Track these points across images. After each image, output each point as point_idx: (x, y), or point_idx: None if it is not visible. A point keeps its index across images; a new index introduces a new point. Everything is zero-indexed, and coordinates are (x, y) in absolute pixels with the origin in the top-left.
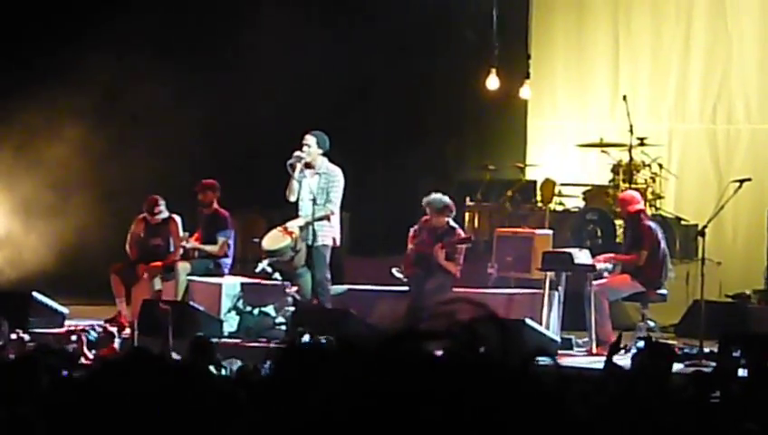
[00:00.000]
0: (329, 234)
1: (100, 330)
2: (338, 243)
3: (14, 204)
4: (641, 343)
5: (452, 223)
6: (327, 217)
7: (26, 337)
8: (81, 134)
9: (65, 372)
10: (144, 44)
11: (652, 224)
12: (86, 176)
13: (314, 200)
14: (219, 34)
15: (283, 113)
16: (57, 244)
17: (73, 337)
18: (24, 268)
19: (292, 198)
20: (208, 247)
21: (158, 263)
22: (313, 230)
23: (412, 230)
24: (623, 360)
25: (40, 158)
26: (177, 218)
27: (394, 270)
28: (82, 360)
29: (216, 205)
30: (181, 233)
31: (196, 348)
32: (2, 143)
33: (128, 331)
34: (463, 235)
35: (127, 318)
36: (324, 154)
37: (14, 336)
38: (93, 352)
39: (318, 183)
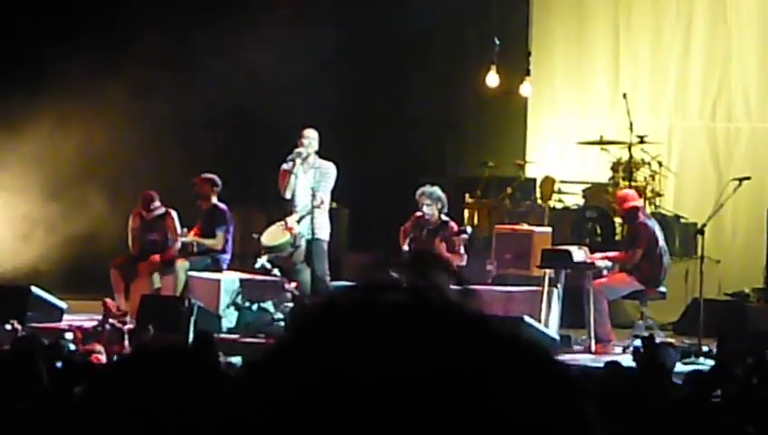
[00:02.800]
0: (326, 228)
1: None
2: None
3: (12, 200)
4: (638, 341)
5: (444, 217)
6: (319, 207)
7: (19, 328)
8: (82, 129)
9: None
10: (143, 40)
11: (648, 221)
12: (85, 170)
13: (313, 195)
14: (219, 30)
15: (282, 108)
16: (56, 238)
17: (69, 335)
18: (23, 262)
19: (288, 195)
20: (207, 241)
21: (156, 257)
22: (312, 225)
23: (403, 228)
24: (623, 357)
25: (41, 154)
26: (174, 213)
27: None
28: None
29: (214, 199)
30: (178, 227)
31: (200, 342)
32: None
33: (129, 325)
34: (457, 227)
35: (120, 309)
36: (316, 151)
37: (8, 327)
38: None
39: (314, 177)
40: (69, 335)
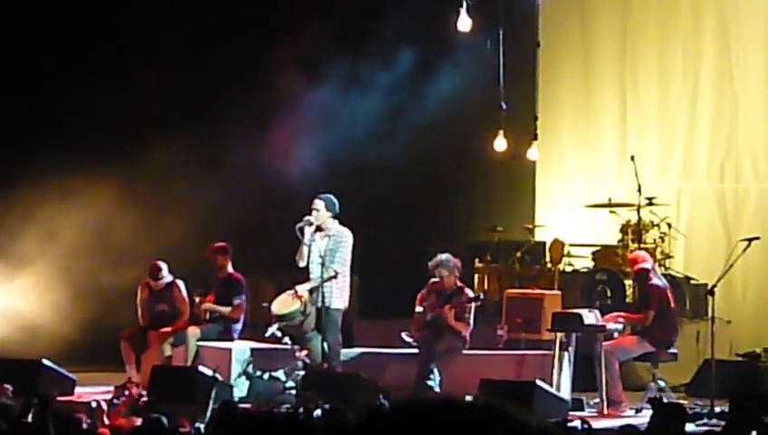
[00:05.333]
0: (339, 296)
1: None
2: (346, 305)
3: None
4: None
5: (459, 283)
6: (334, 278)
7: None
8: (91, 201)
9: None
10: (151, 108)
11: (660, 283)
12: (93, 241)
13: (323, 263)
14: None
15: (293, 177)
16: (66, 311)
17: (93, 404)
18: (34, 336)
19: (302, 264)
20: (223, 309)
21: (168, 329)
22: (323, 293)
23: (420, 294)
24: (636, 420)
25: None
26: (181, 283)
27: (403, 334)
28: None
29: (230, 268)
30: (185, 297)
31: (223, 414)
32: (8, 209)
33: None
34: (471, 294)
35: (137, 384)
36: (335, 217)
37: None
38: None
39: (327, 245)
40: (93, 405)
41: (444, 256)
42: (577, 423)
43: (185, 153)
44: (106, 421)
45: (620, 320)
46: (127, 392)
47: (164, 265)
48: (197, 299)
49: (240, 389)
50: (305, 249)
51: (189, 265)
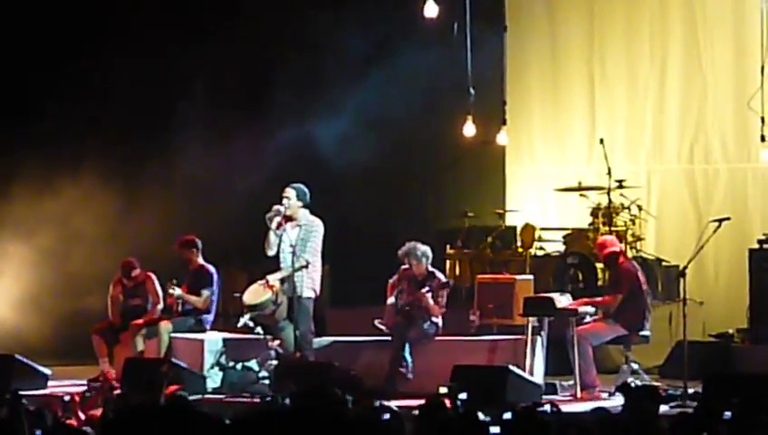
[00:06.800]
0: (310, 285)
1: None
2: (317, 293)
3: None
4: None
5: (430, 268)
6: (305, 267)
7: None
8: (63, 196)
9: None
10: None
11: (630, 266)
12: (65, 235)
13: (294, 252)
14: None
15: (263, 168)
16: (38, 305)
17: (66, 397)
18: (4, 331)
19: (271, 253)
20: (193, 298)
21: (139, 321)
22: (294, 282)
23: (390, 281)
24: (609, 403)
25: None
26: (153, 276)
27: (376, 322)
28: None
29: (200, 260)
30: (159, 290)
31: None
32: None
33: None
34: (443, 278)
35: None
36: (305, 206)
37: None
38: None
39: (297, 235)
40: (66, 398)
41: (411, 245)
42: (546, 408)
43: (157, 148)
44: (81, 415)
45: (591, 306)
46: (99, 384)
47: (136, 262)
48: (170, 287)
49: (213, 380)
50: (273, 238)
51: (163, 258)
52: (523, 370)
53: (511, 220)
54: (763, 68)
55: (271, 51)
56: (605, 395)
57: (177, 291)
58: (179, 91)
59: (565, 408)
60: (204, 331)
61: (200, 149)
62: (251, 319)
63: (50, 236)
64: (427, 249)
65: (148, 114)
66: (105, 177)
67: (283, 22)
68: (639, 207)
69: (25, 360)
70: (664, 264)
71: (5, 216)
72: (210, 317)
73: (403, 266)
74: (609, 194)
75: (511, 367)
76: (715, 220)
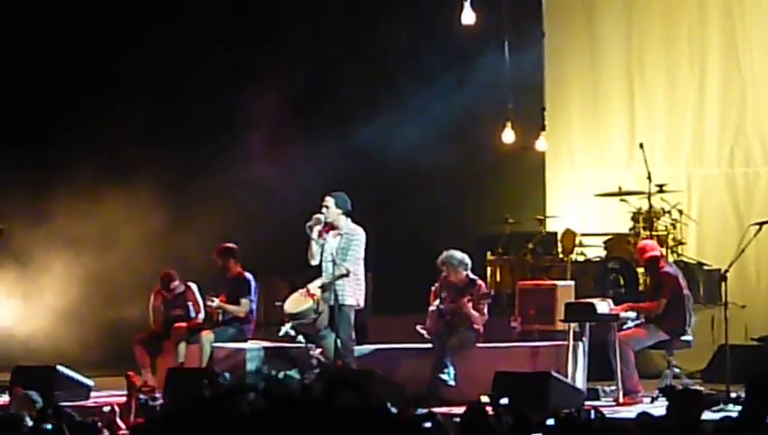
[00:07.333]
0: (351, 294)
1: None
2: (361, 304)
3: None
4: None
5: (471, 275)
6: (345, 276)
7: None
8: (104, 206)
9: None
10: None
11: (671, 270)
12: (106, 245)
13: (334, 261)
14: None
15: (304, 176)
16: (79, 316)
17: (106, 408)
18: (48, 342)
19: (314, 262)
20: (232, 307)
21: (182, 325)
22: (335, 290)
23: (433, 288)
24: (652, 408)
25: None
26: (193, 286)
27: (418, 327)
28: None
29: (238, 268)
30: (200, 299)
31: None
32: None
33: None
34: (484, 287)
35: (147, 384)
36: (347, 214)
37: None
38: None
39: (339, 243)
40: (106, 409)
41: (447, 253)
42: (591, 413)
43: (199, 159)
44: (121, 425)
45: (632, 311)
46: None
47: (175, 274)
48: (208, 300)
49: None
50: (315, 247)
51: (207, 269)
52: (565, 376)
53: (551, 226)
54: None
55: (326, 62)
56: (647, 400)
57: (216, 302)
58: (231, 105)
59: (608, 413)
60: (245, 340)
61: (244, 162)
62: (292, 328)
63: (94, 247)
64: (464, 257)
65: (198, 126)
66: (151, 188)
67: (347, 32)
68: (680, 212)
69: (67, 371)
70: (705, 268)
71: (51, 229)
72: (251, 326)
73: (444, 274)
74: (649, 199)
75: (553, 373)
76: (756, 223)
